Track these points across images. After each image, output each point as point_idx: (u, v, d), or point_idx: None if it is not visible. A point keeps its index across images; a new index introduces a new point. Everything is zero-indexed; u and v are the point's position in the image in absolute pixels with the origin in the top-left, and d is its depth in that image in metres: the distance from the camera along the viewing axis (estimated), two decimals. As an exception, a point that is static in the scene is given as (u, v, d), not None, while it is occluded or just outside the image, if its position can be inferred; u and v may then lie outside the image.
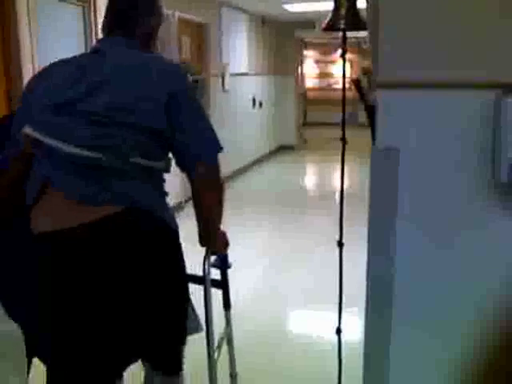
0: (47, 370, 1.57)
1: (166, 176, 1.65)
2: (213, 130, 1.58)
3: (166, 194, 1.63)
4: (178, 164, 1.59)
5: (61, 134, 1.44)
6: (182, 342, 1.72)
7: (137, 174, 1.50)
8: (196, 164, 1.55)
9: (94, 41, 4.08)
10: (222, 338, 1.92)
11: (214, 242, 1.73)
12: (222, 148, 1.58)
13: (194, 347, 1.82)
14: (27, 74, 3.36)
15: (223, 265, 1.86)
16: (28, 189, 1.51)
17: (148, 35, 1.68)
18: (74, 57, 1.65)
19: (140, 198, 1.50)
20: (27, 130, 1.47)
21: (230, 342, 2.00)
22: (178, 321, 1.67)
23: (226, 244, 1.81)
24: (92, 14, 4.11)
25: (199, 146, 1.55)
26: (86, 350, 1.50)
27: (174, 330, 1.67)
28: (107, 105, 1.45)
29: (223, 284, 1.89)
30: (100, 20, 4.37)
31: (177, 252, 1.64)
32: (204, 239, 1.69)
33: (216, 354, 1.80)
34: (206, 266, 1.72)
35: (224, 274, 1.89)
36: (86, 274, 1.46)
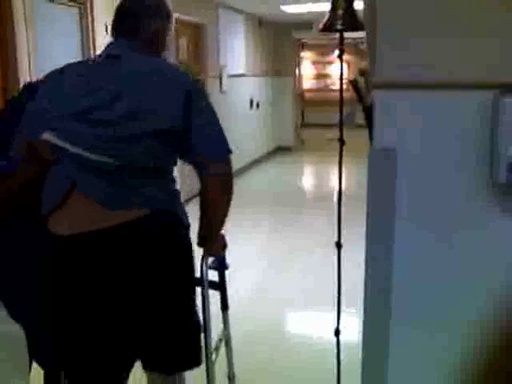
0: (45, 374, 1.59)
1: None
2: (223, 133, 1.61)
3: (179, 192, 1.67)
4: (191, 162, 1.61)
5: (80, 141, 1.47)
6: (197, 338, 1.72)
7: (154, 177, 1.55)
8: (209, 162, 1.57)
9: (91, 41, 4.08)
10: (220, 340, 1.92)
11: (214, 243, 1.73)
12: (231, 151, 1.61)
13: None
14: (24, 74, 3.36)
15: (221, 266, 1.86)
16: (49, 192, 1.53)
17: (153, 38, 1.69)
18: (88, 61, 1.67)
19: (160, 199, 1.55)
20: (46, 135, 1.49)
21: (227, 344, 2.00)
22: (191, 316, 1.70)
23: (224, 246, 1.81)
24: (89, 14, 4.11)
25: (213, 144, 1.58)
26: (103, 348, 1.56)
27: (188, 326, 1.69)
28: (127, 112, 1.48)
29: (221, 285, 1.89)
30: (97, 21, 4.40)
31: (190, 248, 1.67)
32: (205, 240, 1.69)
33: (214, 356, 1.80)
34: (204, 268, 1.72)
35: (222, 276, 1.89)
36: (110, 274, 1.51)
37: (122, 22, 1.68)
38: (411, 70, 1.12)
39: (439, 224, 1.15)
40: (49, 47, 3.65)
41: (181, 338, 1.67)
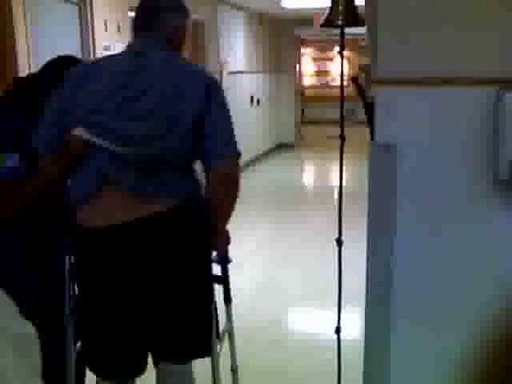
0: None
1: None
2: (234, 133, 1.66)
3: (202, 182, 1.72)
4: (202, 153, 1.64)
5: (112, 135, 1.53)
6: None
7: (182, 169, 1.62)
8: (216, 159, 1.62)
9: (91, 38, 4.08)
10: (223, 332, 1.93)
11: (218, 238, 1.76)
12: (240, 152, 1.67)
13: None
14: (23, 73, 3.35)
15: (223, 260, 1.88)
16: (79, 186, 1.59)
17: (173, 35, 1.72)
18: (115, 57, 1.75)
19: (188, 190, 1.62)
20: (78, 130, 1.53)
21: (230, 336, 2.01)
22: (209, 304, 1.75)
23: (227, 241, 1.84)
24: (88, 11, 4.11)
25: (223, 142, 1.63)
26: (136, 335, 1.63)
27: (207, 314, 1.74)
28: (156, 106, 1.54)
29: (224, 279, 1.92)
30: (97, 18, 4.38)
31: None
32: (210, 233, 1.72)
33: (218, 347, 1.81)
34: None
35: (224, 269, 1.91)
36: (140, 263, 1.56)
37: (142, 19, 1.72)
38: (412, 66, 1.11)
39: (440, 221, 1.14)
40: (48, 44, 3.64)
41: (197, 325, 1.71)
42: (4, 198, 1.65)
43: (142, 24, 1.71)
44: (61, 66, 1.78)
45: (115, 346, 1.64)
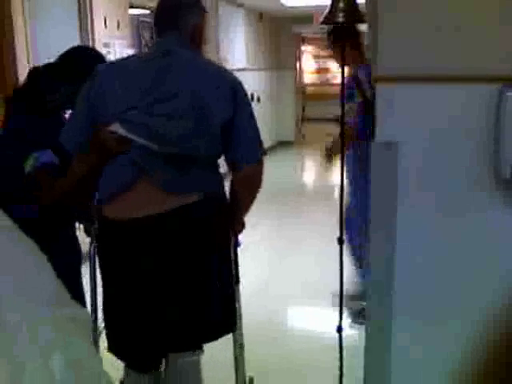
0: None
1: None
2: (259, 135, 1.72)
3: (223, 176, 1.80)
4: (227, 153, 1.69)
5: (146, 132, 1.56)
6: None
7: (209, 165, 1.67)
8: (241, 162, 1.68)
9: (90, 34, 4.08)
10: None
11: (235, 222, 1.86)
12: (265, 152, 1.74)
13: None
14: (21, 68, 3.35)
15: (235, 244, 1.94)
16: (112, 180, 1.63)
17: (193, 32, 1.73)
18: (144, 56, 1.78)
19: (214, 184, 1.69)
20: (114, 127, 1.55)
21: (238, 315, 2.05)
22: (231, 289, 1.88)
23: (242, 226, 1.93)
24: (88, 8, 4.09)
25: (248, 146, 1.68)
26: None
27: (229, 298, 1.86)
28: (186, 107, 1.58)
29: (234, 260, 1.95)
30: (96, 15, 4.36)
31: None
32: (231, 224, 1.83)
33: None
34: None
35: (235, 251, 1.96)
36: (172, 251, 1.63)
37: (164, 18, 1.73)
38: (413, 64, 1.10)
39: (441, 220, 1.14)
40: (47, 40, 3.64)
41: (221, 308, 1.81)
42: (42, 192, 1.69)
43: (164, 23, 1.72)
44: (70, 60, 1.79)
45: (135, 337, 1.68)
